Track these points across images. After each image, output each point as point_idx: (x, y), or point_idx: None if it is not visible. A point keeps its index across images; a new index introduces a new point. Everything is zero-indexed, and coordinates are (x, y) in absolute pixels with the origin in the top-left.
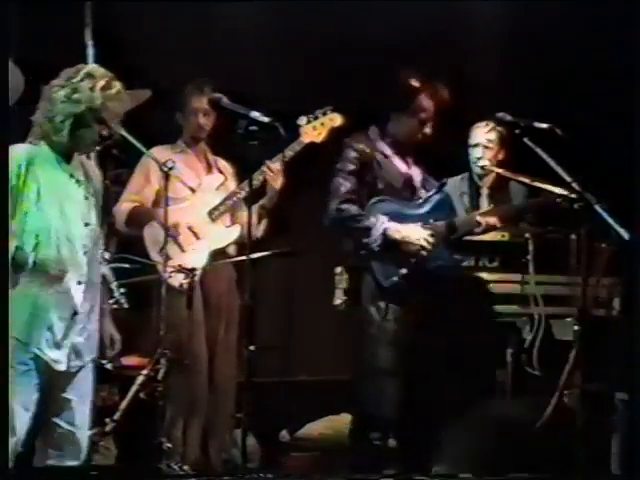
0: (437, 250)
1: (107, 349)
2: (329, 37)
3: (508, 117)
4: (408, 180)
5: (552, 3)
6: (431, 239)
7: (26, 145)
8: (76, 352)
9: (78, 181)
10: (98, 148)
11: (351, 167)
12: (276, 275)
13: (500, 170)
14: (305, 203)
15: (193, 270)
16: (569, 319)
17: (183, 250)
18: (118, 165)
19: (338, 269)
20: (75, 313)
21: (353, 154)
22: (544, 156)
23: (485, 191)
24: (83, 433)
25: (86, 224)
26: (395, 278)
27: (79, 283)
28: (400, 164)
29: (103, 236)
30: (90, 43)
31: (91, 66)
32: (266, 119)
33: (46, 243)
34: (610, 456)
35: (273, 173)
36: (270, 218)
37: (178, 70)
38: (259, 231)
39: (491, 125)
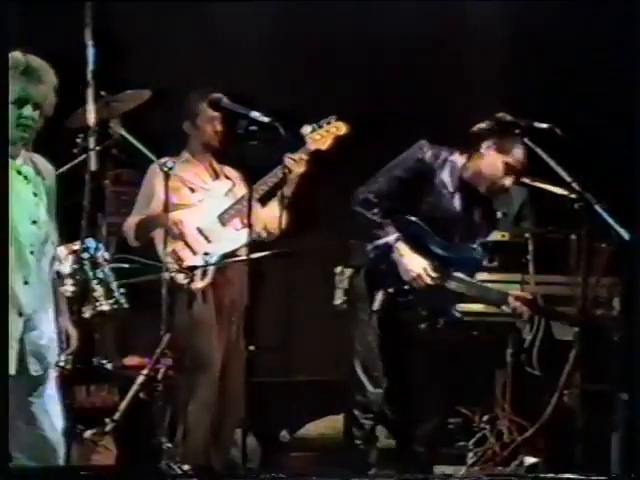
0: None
1: (63, 348)
2: (330, 38)
3: (508, 117)
4: (453, 219)
5: (552, 3)
6: (431, 275)
7: None
8: (35, 356)
9: (26, 178)
10: (95, 147)
11: (403, 175)
12: (276, 275)
13: None
14: (305, 203)
15: (193, 269)
16: None
17: (195, 253)
18: (118, 165)
19: (338, 269)
20: (20, 314)
21: (416, 164)
22: (544, 156)
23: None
24: (56, 436)
25: (33, 222)
26: (381, 294)
27: (25, 283)
28: (455, 203)
29: (56, 233)
30: (90, 43)
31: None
32: (266, 119)
33: None
34: (610, 456)
35: (295, 162)
36: (291, 209)
37: (178, 70)
38: (282, 223)
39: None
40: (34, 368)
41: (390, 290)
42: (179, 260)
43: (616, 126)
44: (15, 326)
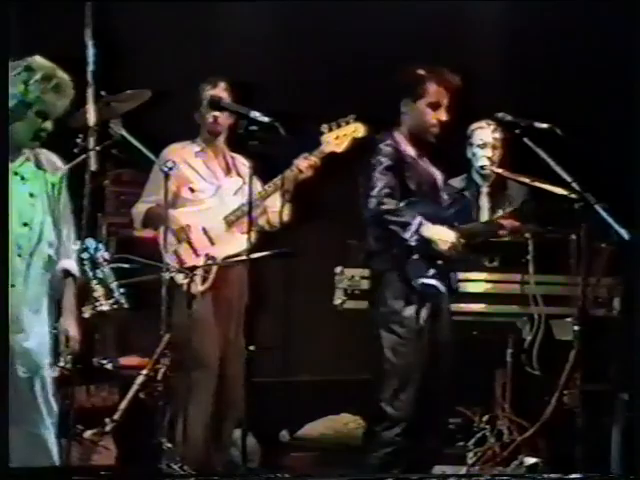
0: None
1: (61, 348)
2: (335, 37)
3: (508, 117)
4: (433, 182)
5: (552, 3)
6: (461, 240)
7: None
8: (23, 358)
9: (23, 178)
10: (95, 147)
11: (387, 163)
12: (276, 275)
13: (500, 170)
14: (306, 204)
15: (193, 269)
16: (569, 319)
17: (197, 254)
18: (118, 165)
19: (338, 269)
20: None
21: (388, 149)
22: (544, 156)
23: (485, 189)
24: (50, 436)
25: (24, 224)
26: (425, 279)
27: (12, 286)
28: (425, 165)
29: (62, 232)
30: (90, 43)
31: (33, 58)
32: (266, 119)
33: None
34: (610, 456)
35: (310, 166)
36: (293, 203)
37: (178, 70)
38: (284, 216)
39: (493, 124)
40: (22, 369)
41: (431, 272)
42: (181, 261)
43: (616, 126)
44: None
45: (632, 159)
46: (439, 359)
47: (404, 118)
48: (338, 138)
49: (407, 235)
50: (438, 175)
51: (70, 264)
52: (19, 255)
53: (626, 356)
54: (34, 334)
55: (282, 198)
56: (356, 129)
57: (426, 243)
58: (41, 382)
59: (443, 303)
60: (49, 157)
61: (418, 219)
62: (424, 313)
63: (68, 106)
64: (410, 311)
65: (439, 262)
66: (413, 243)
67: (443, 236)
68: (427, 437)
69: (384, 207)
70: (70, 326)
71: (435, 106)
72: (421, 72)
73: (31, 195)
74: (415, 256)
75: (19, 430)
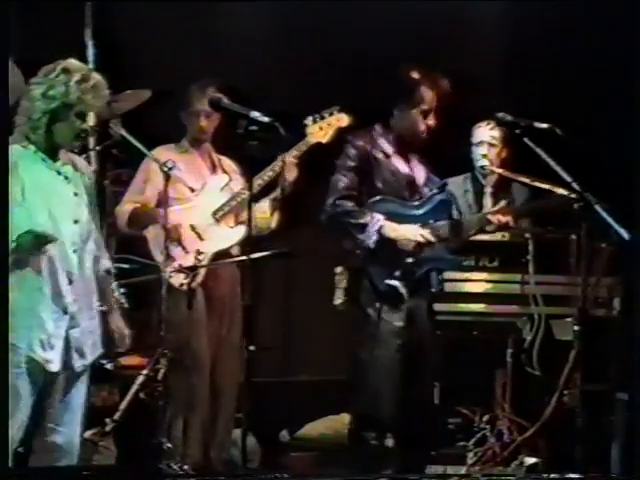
0: (436, 251)
1: (116, 345)
2: (335, 37)
3: (508, 117)
4: (409, 180)
5: (552, 3)
6: (429, 237)
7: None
8: (78, 352)
9: (66, 178)
10: (95, 146)
11: (350, 164)
12: (276, 275)
13: (500, 170)
14: (303, 203)
15: (193, 269)
16: (569, 319)
17: (186, 251)
18: (118, 165)
19: (338, 269)
20: (66, 312)
21: (352, 151)
22: (544, 156)
23: (489, 189)
24: (75, 435)
25: (75, 221)
26: (390, 280)
27: (70, 282)
28: (401, 164)
29: (99, 232)
30: (90, 43)
31: (68, 61)
32: (266, 119)
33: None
34: (610, 456)
35: (287, 165)
36: (282, 210)
37: (179, 70)
38: (273, 223)
39: (493, 123)
40: (77, 364)
41: (397, 273)
42: (171, 259)
43: (616, 126)
44: (60, 324)
45: (632, 159)
46: (418, 360)
47: (394, 121)
48: (322, 129)
49: (363, 237)
50: (419, 174)
51: (109, 264)
52: (74, 251)
53: (626, 356)
54: (87, 330)
55: (271, 205)
56: (340, 119)
57: (390, 243)
58: (83, 379)
59: (421, 304)
60: (80, 160)
61: (377, 220)
62: (397, 314)
63: (104, 106)
64: (382, 312)
65: (408, 260)
66: (371, 245)
67: (407, 235)
68: (409, 439)
69: (339, 209)
70: (121, 324)
71: (427, 113)
72: (415, 76)
73: (75, 194)
74: (379, 257)
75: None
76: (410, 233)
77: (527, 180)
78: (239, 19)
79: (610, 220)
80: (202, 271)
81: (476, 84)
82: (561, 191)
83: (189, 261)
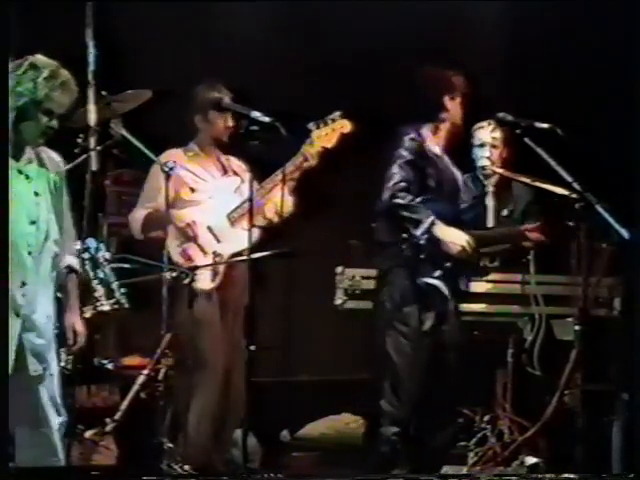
0: (473, 258)
1: (70, 343)
2: (335, 37)
3: (509, 117)
4: (454, 182)
5: (552, 3)
6: (473, 244)
7: None
8: (35, 356)
9: (27, 177)
10: (96, 147)
11: (408, 157)
12: (277, 275)
13: (501, 170)
14: (307, 203)
15: (194, 269)
16: (570, 319)
17: (205, 252)
18: (119, 165)
19: (339, 269)
20: (18, 315)
21: (411, 144)
22: (545, 156)
23: (491, 189)
24: (56, 436)
25: (32, 222)
26: (432, 280)
27: (22, 284)
28: (448, 164)
29: (68, 229)
30: (91, 43)
31: (36, 56)
32: (267, 119)
33: None
34: (611, 455)
35: (311, 156)
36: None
37: (179, 70)
38: (285, 208)
39: (494, 124)
40: (33, 368)
41: (438, 273)
42: (189, 260)
43: (617, 126)
44: (12, 327)
45: (632, 159)
46: (444, 360)
47: (444, 114)
48: (327, 134)
49: (418, 232)
50: (459, 176)
51: (73, 260)
52: (29, 253)
53: (627, 356)
54: (46, 332)
55: (282, 191)
56: (343, 125)
57: (436, 243)
58: (50, 380)
59: (450, 305)
60: (50, 155)
61: (431, 218)
62: (429, 313)
63: (73, 104)
64: (414, 310)
65: (447, 264)
66: (422, 242)
67: (455, 238)
68: (429, 438)
69: (397, 201)
70: (76, 322)
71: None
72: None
73: (36, 194)
74: (423, 255)
75: (25, 431)
76: (457, 237)
77: (528, 180)
78: (239, 19)
79: (611, 220)
80: (220, 273)
81: (476, 84)
82: (562, 191)
83: (208, 262)
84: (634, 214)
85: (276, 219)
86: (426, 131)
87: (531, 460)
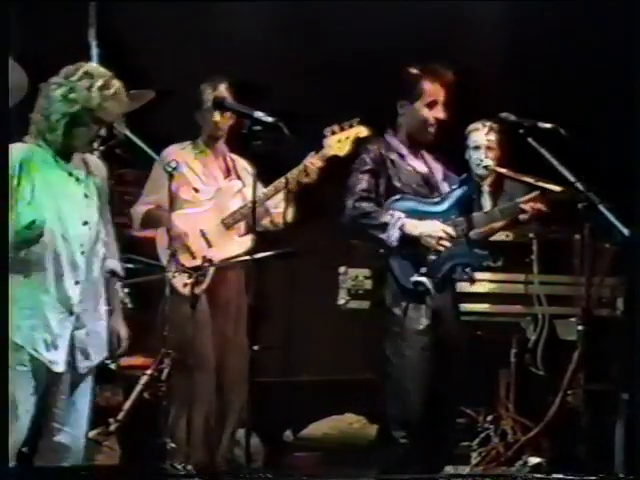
0: (459, 247)
1: (113, 347)
2: (337, 37)
3: (512, 117)
4: (427, 178)
5: (553, 3)
6: (451, 232)
7: (22, 145)
8: (83, 353)
9: (78, 179)
10: (98, 147)
11: (366, 166)
12: (279, 275)
13: (504, 170)
14: (308, 204)
15: (197, 270)
16: (573, 319)
17: (194, 257)
18: (122, 165)
19: (342, 269)
20: (71, 313)
21: (368, 154)
22: (548, 156)
23: (486, 189)
24: (81, 435)
25: (84, 223)
26: (415, 277)
27: (76, 283)
28: (417, 162)
29: (110, 234)
30: (94, 43)
31: (90, 65)
32: (270, 119)
33: (41, 243)
34: (613, 455)
35: (313, 168)
36: (297, 203)
37: (182, 70)
38: (288, 216)
39: (488, 126)
40: (82, 365)
41: (423, 270)
42: (178, 263)
43: (620, 126)
44: (65, 324)
45: (635, 158)
46: (445, 359)
47: (401, 119)
48: (340, 142)
49: (386, 236)
50: (437, 171)
51: (116, 264)
52: (82, 253)
53: (629, 356)
54: (93, 331)
55: (286, 198)
56: (359, 131)
57: (413, 241)
58: (88, 380)
59: (446, 301)
60: (94, 160)
61: (398, 218)
62: (421, 312)
63: (122, 114)
64: (406, 310)
65: (432, 257)
66: (394, 243)
67: (429, 231)
68: (434, 439)
69: (358, 211)
70: (120, 326)
71: (432, 105)
72: (415, 71)
73: (86, 196)
74: (404, 253)
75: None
76: (432, 229)
77: (531, 180)
78: (242, 19)
79: (614, 220)
80: (207, 278)
81: (476, 84)
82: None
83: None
84: (634, 214)
85: (271, 227)
86: (388, 136)
87: (534, 460)
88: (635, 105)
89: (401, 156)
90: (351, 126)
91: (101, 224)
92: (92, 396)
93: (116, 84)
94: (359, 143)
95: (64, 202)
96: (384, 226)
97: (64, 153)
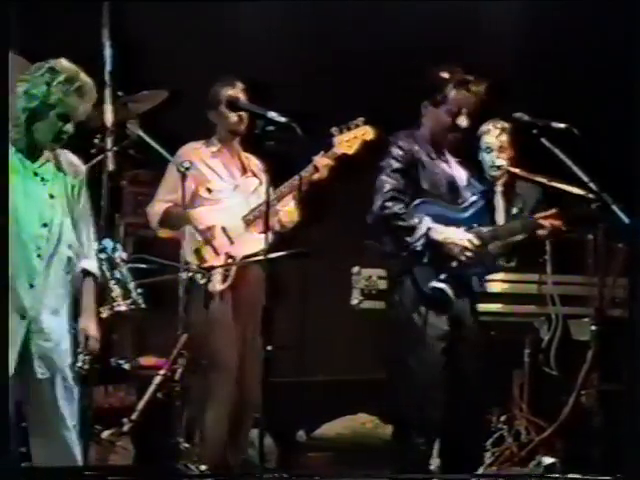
0: (479, 256)
1: (81, 348)
2: (349, 38)
3: (525, 117)
4: (452, 182)
5: (552, 3)
6: (476, 242)
7: None
8: (42, 359)
9: (43, 179)
10: (111, 148)
11: (396, 165)
12: (293, 275)
13: (517, 170)
14: (323, 203)
15: (210, 269)
16: (586, 319)
17: (217, 253)
18: (135, 165)
19: (355, 269)
20: (23, 317)
21: (398, 152)
22: (561, 156)
23: (499, 189)
24: (72, 436)
25: (44, 225)
26: (435, 283)
27: (31, 286)
28: (444, 166)
29: (84, 231)
30: (107, 44)
31: (58, 60)
32: (283, 119)
33: None
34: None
35: (322, 167)
36: (307, 208)
37: (195, 70)
38: (296, 216)
39: (499, 127)
40: (40, 371)
41: (443, 276)
42: (202, 260)
43: (634, 125)
44: (17, 329)
45: (633, 159)
46: (462, 365)
47: (424, 120)
48: (349, 140)
49: (412, 240)
50: (461, 176)
51: (90, 264)
52: (38, 256)
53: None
54: (54, 335)
55: (294, 198)
56: (365, 132)
57: (436, 247)
58: (62, 383)
59: (462, 306)
60: (69, 158)
61: (425, 223)
62: (441, 318)
63: (90, 110)
64: (427, 316)
65: (453, 265)
66: (419, 248)
67: (454, 239)
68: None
69: (387, 211)
70: (89, 325)
71: (455, 113)
72: (444, 76)
73: (51, 196)
74: (426, 259)
75: (39, 432)
76: (457, 237)
77: (544, 180)
78: (255, 19)
79: (627, 220)
80: (231, 274)
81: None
82: (578, 191)
83: (220, 263)
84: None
85: (277, 228)
86: (417, 135)
87: (548, 460)
88: (635, 105)
89: (430, 157)
90: (357, 126)
91: (67, 225)
92: (80, 400)
93: (82, 79)
94: (367, 144)
95: (23, 203)
96: (412, 229)
97: (30, 152)
